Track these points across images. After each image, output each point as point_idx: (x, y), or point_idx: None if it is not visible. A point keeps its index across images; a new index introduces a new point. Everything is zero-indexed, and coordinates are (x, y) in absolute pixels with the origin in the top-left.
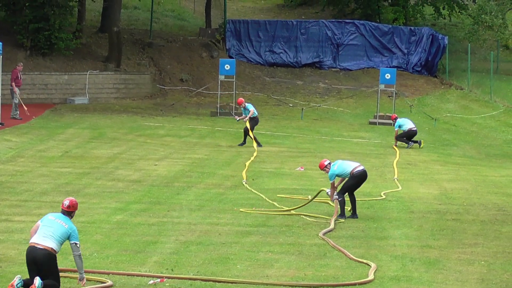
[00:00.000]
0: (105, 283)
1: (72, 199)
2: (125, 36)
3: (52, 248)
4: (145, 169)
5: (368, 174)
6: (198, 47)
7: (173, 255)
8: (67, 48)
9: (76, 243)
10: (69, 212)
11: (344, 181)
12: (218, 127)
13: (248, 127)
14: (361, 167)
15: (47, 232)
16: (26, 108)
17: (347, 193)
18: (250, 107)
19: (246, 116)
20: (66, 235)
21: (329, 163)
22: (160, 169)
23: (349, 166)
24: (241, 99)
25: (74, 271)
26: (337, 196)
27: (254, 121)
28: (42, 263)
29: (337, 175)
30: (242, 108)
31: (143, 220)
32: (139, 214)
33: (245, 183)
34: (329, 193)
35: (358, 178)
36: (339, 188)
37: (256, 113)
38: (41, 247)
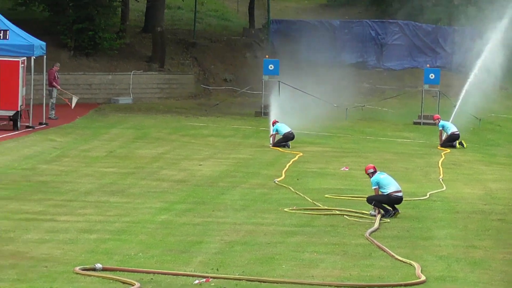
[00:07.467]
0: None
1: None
2: (169, 36)
3: None
4: (190, 169)
5: (412, 174)
6: (242, 47)
7: (218, 255)
8: (111, 48)
9: None
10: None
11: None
12: (262, 127)
13: (271, 145)
14: (400, 194)
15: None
16: (69, 99)
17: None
18: (273, 129)
19: (272, 141)
20: None
21: (373, 172)
22: (204, 169)
23: (391, 185)
24: (275, 119)
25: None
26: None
27: (284, 137)
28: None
29: (378, 184)
30: None
31: (188, 220)
32: (184, 214)
33: (276, 182)
34: (373, 212)
35: (392, 201)
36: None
37: (283, 131)
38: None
